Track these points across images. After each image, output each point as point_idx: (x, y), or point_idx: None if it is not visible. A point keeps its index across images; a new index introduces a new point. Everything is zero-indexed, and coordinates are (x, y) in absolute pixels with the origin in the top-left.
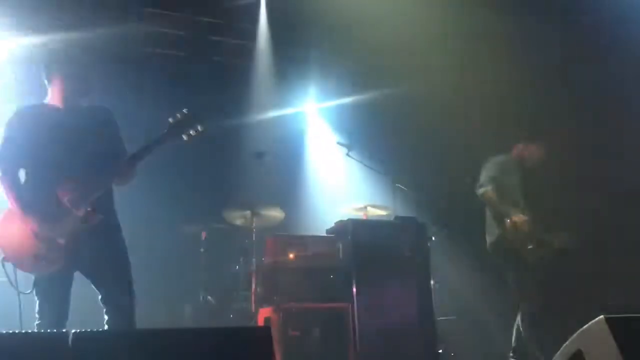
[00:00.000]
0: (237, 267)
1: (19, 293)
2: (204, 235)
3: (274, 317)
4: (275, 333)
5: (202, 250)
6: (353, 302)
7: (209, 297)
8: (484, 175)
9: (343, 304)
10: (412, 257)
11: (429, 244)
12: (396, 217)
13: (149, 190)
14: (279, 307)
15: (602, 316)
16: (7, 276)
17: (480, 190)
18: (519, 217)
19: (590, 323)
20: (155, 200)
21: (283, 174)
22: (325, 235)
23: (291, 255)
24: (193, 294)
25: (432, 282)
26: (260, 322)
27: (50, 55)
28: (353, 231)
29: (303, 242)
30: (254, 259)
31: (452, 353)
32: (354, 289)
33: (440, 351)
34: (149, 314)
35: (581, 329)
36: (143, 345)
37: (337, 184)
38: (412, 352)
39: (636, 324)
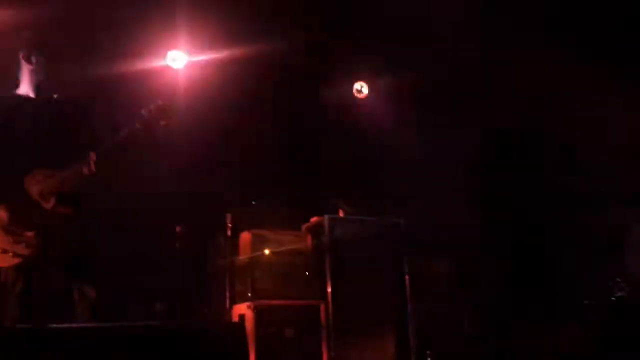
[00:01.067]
0: (212, 263)
1: None
2: (178, 229)
3: (248, 314)
4: (249, 330)
5: (176, 245)
6: (327, 300)
7: (182, 293)
8: None
9: (318, 302)
10: (388, 255)
11: (404, 242)
12: (372, 215)
13: (122, 183)
14: (253, 305)
15: None
16: None
17: None
18: None
19: None
20: (128, 193)
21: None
22: (301, 232)
23: (266, 252)
24: (166, 290)
25: (407, 280)
26: (235, 319)
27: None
28: (330, 228)
29: (279, 238)
30: (228, 255)
31: (427, 351)
32: (329, 287)
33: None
34: (122, 309)
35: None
36: (114, 341)
37: (315, 179)
38: (386, 350)
39: None
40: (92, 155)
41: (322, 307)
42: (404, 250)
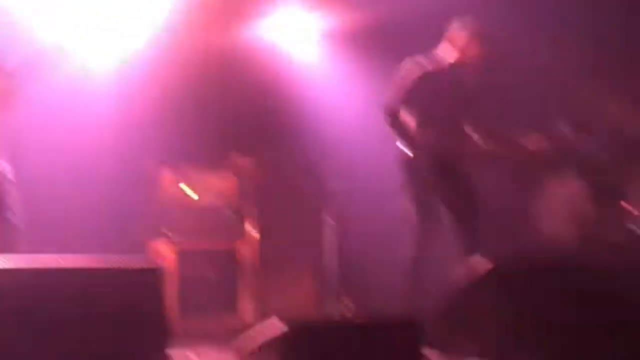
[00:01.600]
0: (133, 197)
1: None
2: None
3: (169, 256)
4: (169, 272)
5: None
6: (251, 241)
7: (100, 232)
8: None
9: (240, 243)
10: (314, 197)
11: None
12: (300, 159)
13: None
14: (172, 247)
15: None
16: None
17: None
18: None
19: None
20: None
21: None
22: (224, 172)
23: (188, 191)
24: (84, 226)
25: (333, 219)
26: (152, 255)
27: None
28: (256, 170)
29: (203, 178)
30: (150, 195)
31: (350, 304)
32: (253, 228)
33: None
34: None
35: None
36: (21, 284)
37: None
38: (307, 291)
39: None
40: None
41: (245, 249)
42: (331, 191)
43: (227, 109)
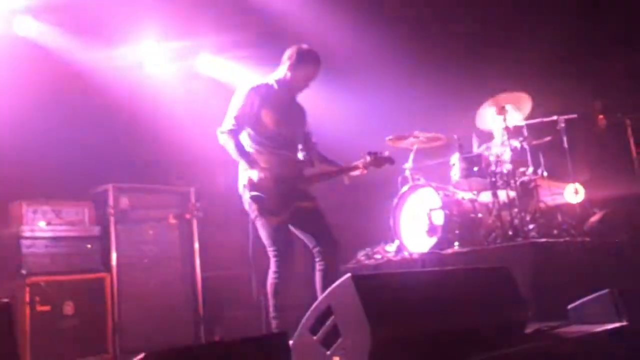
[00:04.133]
0: None
1: None
2: None
3: (20, 293)
4: (22, 309)
5: None
6: (112, 272)
7: None
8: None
9: (100, 275)
10: (176, 223)
11: (196, 211)
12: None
13: None
14: (25, 282)
15: (349, 274)
16: None
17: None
18: None
19: (338, 281)
20: None
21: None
22: (82, 202)
23: (41, 224)
24: None
25: (196, 246)
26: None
27: None
28: (114, 197)
29: (56, 209)
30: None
31: (216, 326)
32: (113, 259)
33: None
34: None
35: (331, 287)
36: None
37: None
38: (175, 319)
39: (376, 281)
40: None
41: (107, 279)
42: (194, 218)
43: (85, 138)
